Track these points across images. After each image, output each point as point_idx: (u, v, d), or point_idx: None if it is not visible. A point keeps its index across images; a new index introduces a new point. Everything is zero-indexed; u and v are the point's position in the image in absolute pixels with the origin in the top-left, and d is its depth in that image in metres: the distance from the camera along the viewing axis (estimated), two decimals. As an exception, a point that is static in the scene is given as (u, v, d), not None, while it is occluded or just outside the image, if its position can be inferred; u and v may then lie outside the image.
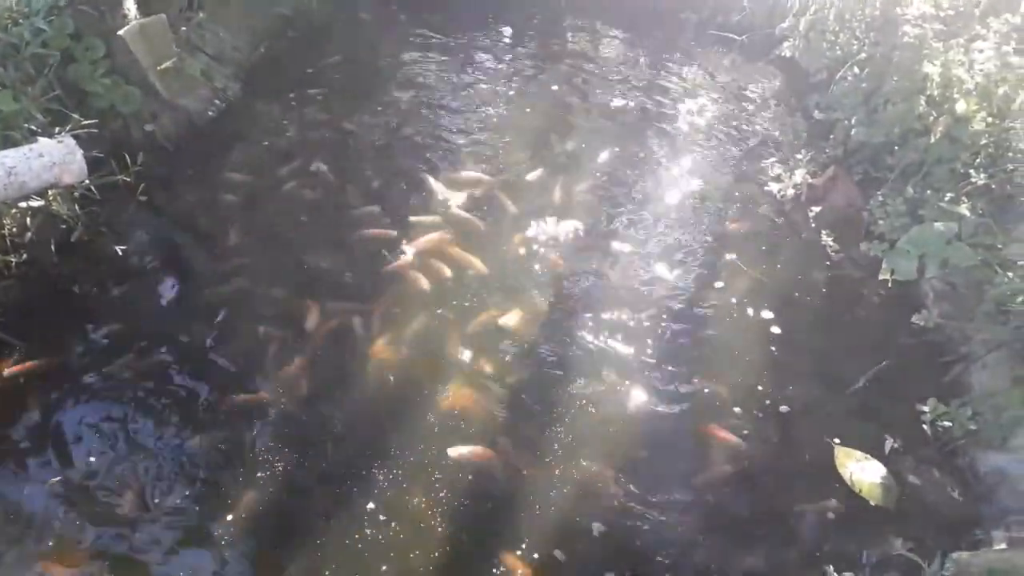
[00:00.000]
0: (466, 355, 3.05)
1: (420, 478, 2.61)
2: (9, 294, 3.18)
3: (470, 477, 2.62)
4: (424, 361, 3.04)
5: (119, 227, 3.63)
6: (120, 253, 3.46)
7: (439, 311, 3.26)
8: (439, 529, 2.47)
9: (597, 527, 2.53)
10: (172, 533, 2.46)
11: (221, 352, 3.06)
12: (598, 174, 4.11)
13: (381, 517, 2.49)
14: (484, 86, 4.81)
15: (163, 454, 2.69)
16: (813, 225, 3.84)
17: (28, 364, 2.91)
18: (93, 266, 3.44)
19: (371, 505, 2.51)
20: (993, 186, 3.36)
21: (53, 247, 3.40)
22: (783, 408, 2.97)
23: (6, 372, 2.87)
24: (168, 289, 3.42)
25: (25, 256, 3.32)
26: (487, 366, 3.02)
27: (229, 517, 2.49)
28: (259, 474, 2.62)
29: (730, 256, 3.64)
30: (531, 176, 4.01)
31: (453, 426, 2.79)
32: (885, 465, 2.75)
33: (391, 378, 2.96)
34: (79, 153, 3.14)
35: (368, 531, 2.45)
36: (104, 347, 3.06)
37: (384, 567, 2.36)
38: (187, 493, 2.58)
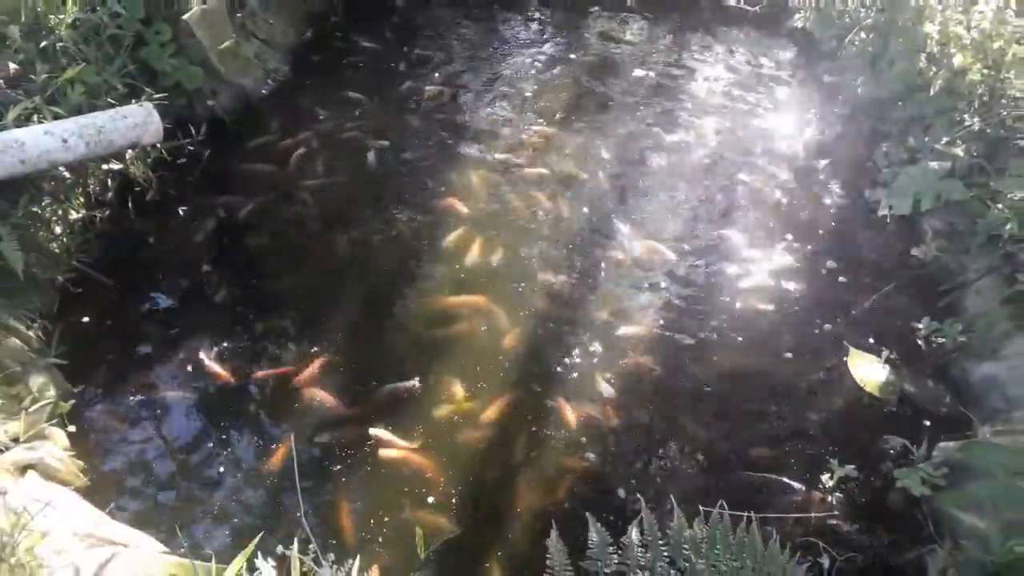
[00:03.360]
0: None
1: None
2: (97, 244, 3.59)
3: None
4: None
5: (187, 189, 4.04)
6: (184, 211, 3.89)
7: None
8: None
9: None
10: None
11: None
12: (624, 130, 4.45)
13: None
14: (515, 59, 5.16)
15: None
16: (822, 177, 4.11)
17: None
18: (163, 222, 3.85)
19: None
20: (988, 130, 3.61)
21: (130, 205, 3.82)
22: (792, 319, 3.30)
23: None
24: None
25: (108, 213, 3.74)
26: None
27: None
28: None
29: (743, 203, 3.93)
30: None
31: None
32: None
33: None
34: (156, 115, 3.55)
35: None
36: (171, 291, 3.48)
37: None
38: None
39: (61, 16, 3.77)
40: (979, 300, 3.21)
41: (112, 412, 2.90)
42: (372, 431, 2.75)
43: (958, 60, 3.82)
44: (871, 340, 3.19)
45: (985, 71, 3.76)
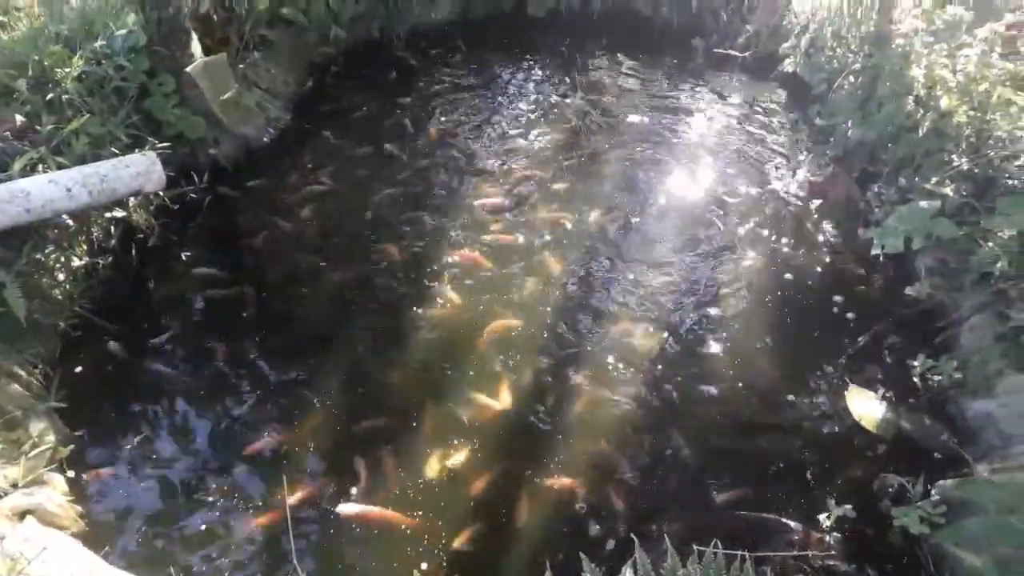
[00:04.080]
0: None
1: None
2: (99, 290, 3.63)
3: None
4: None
5: (188, 236, 4.10)
6: (186, 258, 3.94)
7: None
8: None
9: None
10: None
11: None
12: (618, 173, 4.52)
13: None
14: (511, 105, 5.28)
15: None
16: (815, 216, 4.17)
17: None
18: (165, 268, 3.90)
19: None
20: (976, 170, 3.67)
21: (133, 252, 3.88)
22: (791, 359, 3.33)
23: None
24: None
25: (111, 259, 3.79)
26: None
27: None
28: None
29: (740, 242, 3.98)
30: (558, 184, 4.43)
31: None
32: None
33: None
34: (159, 164, 3.63)
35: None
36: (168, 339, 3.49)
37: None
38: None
39: (67, 69, 3.87)
40: (973, 337, 3.23)
41: (111, 457, 2.91)
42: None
43: (945, 103, 3.90)
44: (867, 377, 3.20)
45: (971, 113, 3.83)
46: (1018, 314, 3.01)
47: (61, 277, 3.47)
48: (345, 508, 2.69)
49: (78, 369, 3.24)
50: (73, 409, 2.96)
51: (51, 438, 2.73)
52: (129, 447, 2.94)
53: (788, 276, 3.78)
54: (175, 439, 3.00)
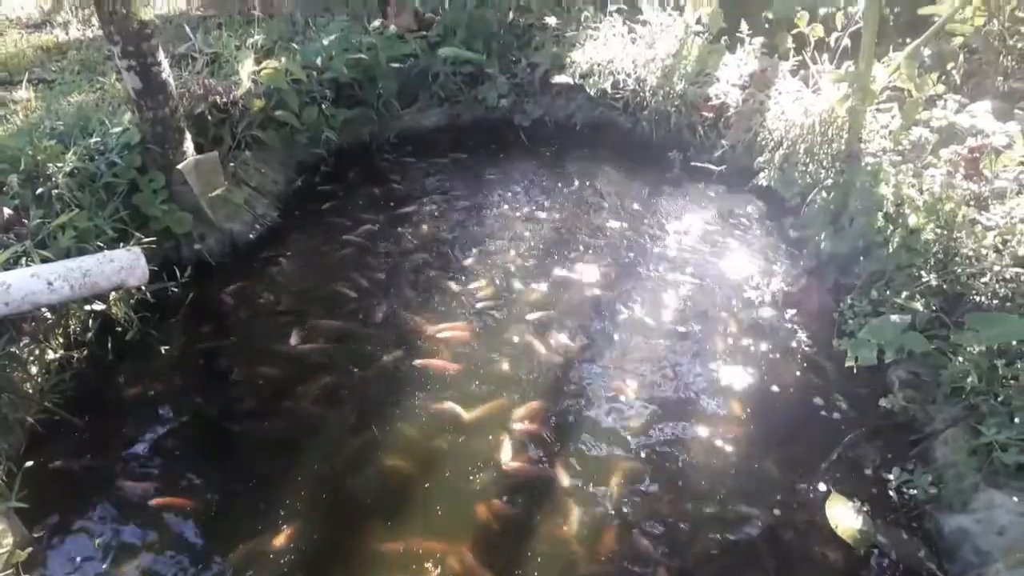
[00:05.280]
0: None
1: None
2: (70, 384, 3.59)
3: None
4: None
5: (168, 330, 4.08)
6: (165, 352, 3.92)
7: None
8: None
9: None
10: None
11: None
12: (594, 280, 4.59)
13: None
14: (496, 210, 5.40)
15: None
16: (790, 326, 4.23)
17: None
18: (142, 364, 3.87)
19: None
20: (945, 286, 3.77)
21: (110, 346, 3.85)
22: (771, 473, 3.30)
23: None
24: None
25: (86, 352, 3.76)
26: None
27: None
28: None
29: (716, 352, 4.02)
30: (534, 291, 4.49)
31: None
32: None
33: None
34: (143, 259, 3.66)
35: None
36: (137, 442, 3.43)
37: None
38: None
39: (60, 165, 3.95)
40: (947, 450, 3.24)
41: (70, 564, 2.80)
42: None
43: (913, 220, 4.04)
44: (843, 489, 3.18)
45: (938, 231, 3.97)
46: (989, 430, 3.04)
47: (34, 371, 3.43)
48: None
49: (44, 465, 3.16)
50: (34, 509, 2.87)
51: (8, 540, 2.64)
52: (90, 555, 2.83)
53: (764, 386, 3.80)
54: (139, 549, 2.89)
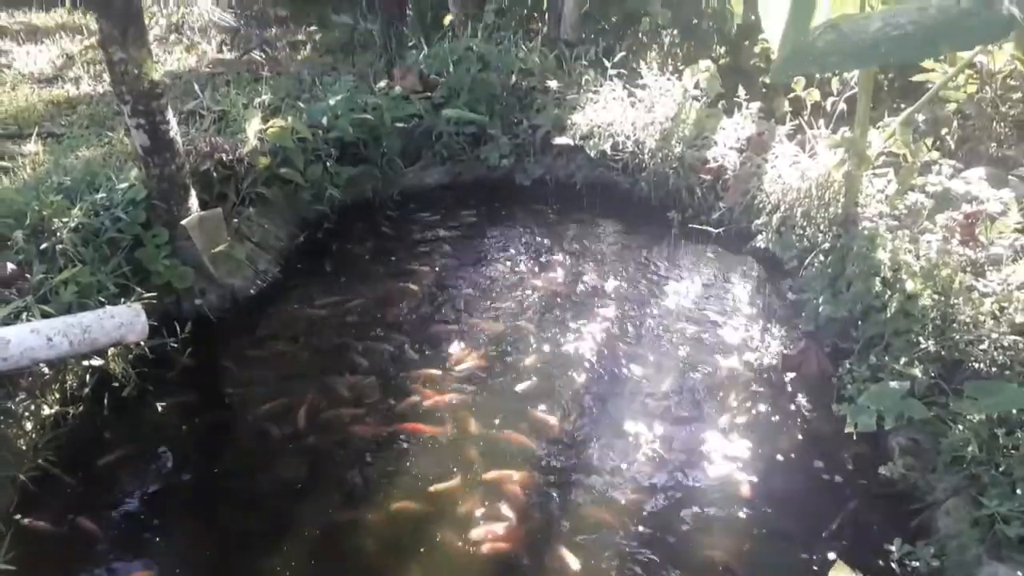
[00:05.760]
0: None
1: None
2: (63, 440, 3.56)
3: None
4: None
5: (165, 386, 4.07)
6: (161, 409, 3.91)
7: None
8: None
9: None
10: None
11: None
12: (593, 342, 4.59)
13: None
14: (496, 267, 5.44)
15: None
16: (790, 390, 4.22)
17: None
18: (137, 422, 3.84)
19: None
20: (943, 352, 3.78)
21: (106, 402, 3.84)
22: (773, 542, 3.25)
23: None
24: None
25: (81, 408, 3.75)
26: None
27: None
28: None
29: (714, 415, 4.00)
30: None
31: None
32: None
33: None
34: (143, 316, 3.67)
35: None
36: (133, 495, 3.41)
37: None
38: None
39: (65, 220, 3.99)
40: (949, 521, 3.19)
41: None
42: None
43: (910, 286, 4.07)
44: (846, 559, 3.13)
45: (936, 297, 3.99)
46: (991, 501, 3.01)
47: (29, 426, 3.41)
48: None
49: (33, 524, 3.12)
50: (21, 572, 2.82)
51: (-8, 604, 2.59)
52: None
53: (764, 451, 3.77)
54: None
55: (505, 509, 3.33)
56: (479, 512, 3.31)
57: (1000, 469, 3.14)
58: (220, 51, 9.94)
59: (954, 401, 3.47)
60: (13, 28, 10.27)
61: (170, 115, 4.42)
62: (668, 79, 6.71)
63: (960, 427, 3.36)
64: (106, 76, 6.89)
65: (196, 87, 6.63)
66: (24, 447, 3.35)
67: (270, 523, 3.26)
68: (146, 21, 4.43)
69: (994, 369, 3.58)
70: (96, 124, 6.79)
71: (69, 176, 4.60)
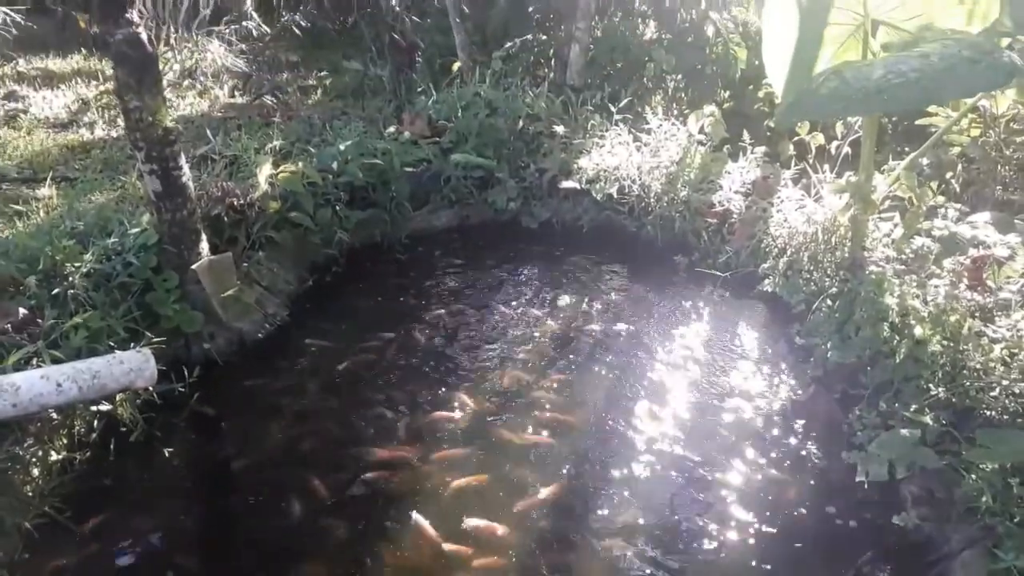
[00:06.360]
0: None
1: None
2: (71, 487, 3.55)
3: None
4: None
5: (172, 432, 4.07)
6: (168, 455, 3.90)
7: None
8: None
9: None
10: None
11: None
12: (596, 387, 4.58)
13: None
14: (502, 311, 5.46)
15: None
16: (800, 436, 4.18)
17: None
18: (144, 468, 3.84)
19: None
20: (954, 399, 3.75)
21: (112, 447, 3.83)
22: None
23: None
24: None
25: (88, 454, 3.74)
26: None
27: None
28: None
29: (724, 462, 3.96)
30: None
31: None
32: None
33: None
34: (152, 361, 3.67)
35: None
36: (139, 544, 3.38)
37: None
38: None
39: (78, 265, 4.03)
40: (965, 574, 3.14)
41: None
42: None
43: (919, 331, 4.06)
44: (860, 616, 3.09)
45: (945, 342, 3.97)
46: (1007, 554, 2.96)
47: (36, 472, 3.41)
48: None
49: (38, 572, 3.10)
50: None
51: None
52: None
53: (774, 500, 3.72)
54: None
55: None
56: None
57: (1015, 520, 3.10)
58: (232, 96, 10.11)
59: (966, 449, 3.44)
60: (30, 74, 10.48)
61: (183, 161, 4.49)
62: (673, 124, 6.81)
63: (973, 476, 3.33)
64: (120, 121, 7.03)
65: (208, 132, 6.74)
66: (31, 494, 3.34)
67: (278, 570, 3.24)
68: (160, 67, 4.52)
69: (1006, 416, 3.55)
70: (109, 168, 6.89)
71: (82, 221, 4.66)
